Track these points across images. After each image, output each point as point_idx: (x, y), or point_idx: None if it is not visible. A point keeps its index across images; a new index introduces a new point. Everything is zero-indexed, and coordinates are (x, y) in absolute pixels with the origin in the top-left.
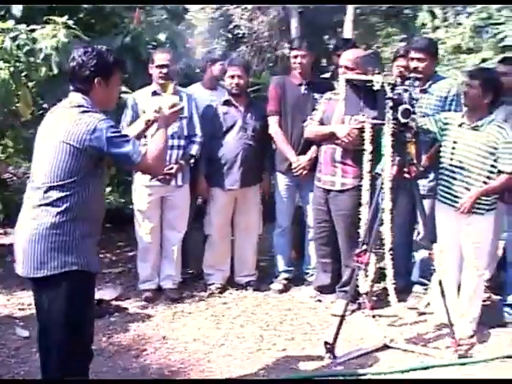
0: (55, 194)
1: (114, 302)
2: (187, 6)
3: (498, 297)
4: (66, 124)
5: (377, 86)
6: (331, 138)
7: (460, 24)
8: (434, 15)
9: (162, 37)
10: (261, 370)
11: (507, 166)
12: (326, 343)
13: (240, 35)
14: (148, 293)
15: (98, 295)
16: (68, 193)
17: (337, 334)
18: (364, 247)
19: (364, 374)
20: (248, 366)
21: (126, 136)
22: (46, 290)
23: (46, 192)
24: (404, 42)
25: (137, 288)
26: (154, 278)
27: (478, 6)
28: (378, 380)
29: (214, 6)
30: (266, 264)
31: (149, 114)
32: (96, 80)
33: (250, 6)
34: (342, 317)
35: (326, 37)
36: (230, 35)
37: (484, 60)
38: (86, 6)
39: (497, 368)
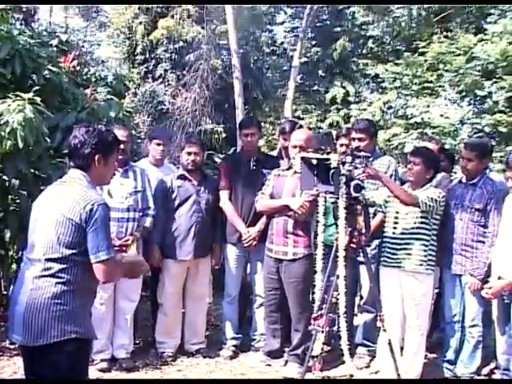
0: (56, 266)
1: None
2: (130, 86)
3: (433, 354)
4: (67, 199)
5: (334, 164)
6: (283, 210)
7: (372, 103)
8: (347, 92)
9: (112, 114)
10: None
11: None
12: None
13: (164, 110)
14: (102, 363)
15: None
16: (68, 265)
17: None
18: (320, 311)
19: None
20: None
21: (108, 235)
22: (45, 357)
23: (46, 263)
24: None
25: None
26: (108, 347)
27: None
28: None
29: (137, 81)
30: (212, 331)
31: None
32: (96, 157)
33: (173, 83)
34: (303, 377)
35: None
36: (153, 110)
37: (395, 135)
38: (38, 82)
39: None
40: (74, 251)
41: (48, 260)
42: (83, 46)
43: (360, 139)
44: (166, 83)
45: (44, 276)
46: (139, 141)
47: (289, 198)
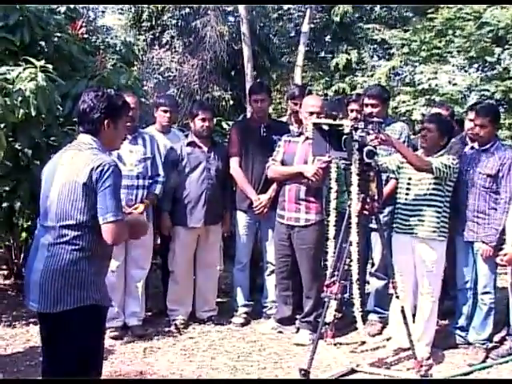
0: (71, 233)
1: None
2: (137, 53)
3: (444, 321)
4: (78, 165)
5: (347, 130)
6: (296, 177)
7: (376, 68)
8: (352, 58)
9: (123, 81)
10: None
11: None
12: (301, 370)
13: (171, 77)
14: (114, 331)
15: None
16: (83, 231)
17: (311, 360)
18: (333, 278)
19: None
20: None
21: (118, 196)
22: (62, 324)
23: (61, 231)
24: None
25: None
26: (120, 315)
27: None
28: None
29: (144, 48)
30: (224, 299)
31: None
32: (105, 122)
33: (180, 50)
34: (316, 344)
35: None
36: (160, 77)
37: (403, 102)
38: (47, 50)
39: None
40: (88, 217)
41: (62, 227)
42: (89, 16)
43: (373, 105)
44: (173, 50)
45: (59, 243)
46: (147, 109)
47: (302, 165)
